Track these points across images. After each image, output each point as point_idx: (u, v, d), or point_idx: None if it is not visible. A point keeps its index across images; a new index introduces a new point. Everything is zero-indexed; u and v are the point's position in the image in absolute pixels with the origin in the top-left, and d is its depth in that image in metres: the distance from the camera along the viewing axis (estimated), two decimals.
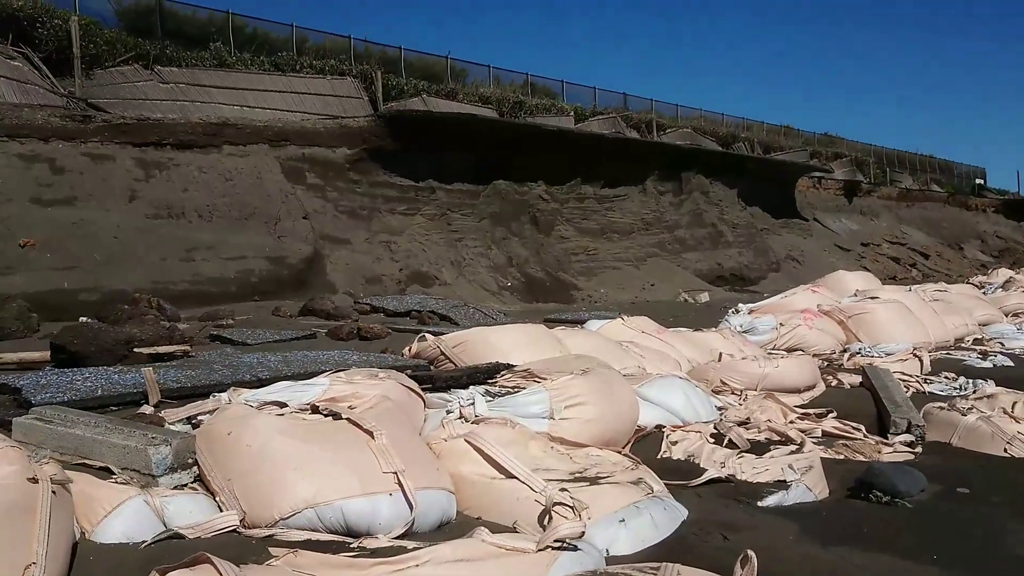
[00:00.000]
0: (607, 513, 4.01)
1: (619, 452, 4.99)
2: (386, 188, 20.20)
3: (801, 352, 9.88)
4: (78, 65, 16.51)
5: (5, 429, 4.41)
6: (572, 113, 29.41)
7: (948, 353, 10.66)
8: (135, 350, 7.12)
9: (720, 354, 8.70)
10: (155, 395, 5.45)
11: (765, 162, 35.00)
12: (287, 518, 3.72)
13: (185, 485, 4.01)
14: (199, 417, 4.72)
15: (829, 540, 4.23)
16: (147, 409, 5.21)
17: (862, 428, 6.58)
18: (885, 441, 6.34)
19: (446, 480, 4.19)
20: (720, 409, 6.74)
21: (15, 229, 12.78)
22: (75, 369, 6.42)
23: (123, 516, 3.69)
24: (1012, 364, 10.06)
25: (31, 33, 16.39)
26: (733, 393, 7.48)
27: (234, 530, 3.73)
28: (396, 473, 3.89)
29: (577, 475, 4.43)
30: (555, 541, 3.37)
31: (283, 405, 4.46)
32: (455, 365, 7.01)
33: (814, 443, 6.01)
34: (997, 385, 7.81)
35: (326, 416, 4.30)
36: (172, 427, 4.66)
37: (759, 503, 4.75)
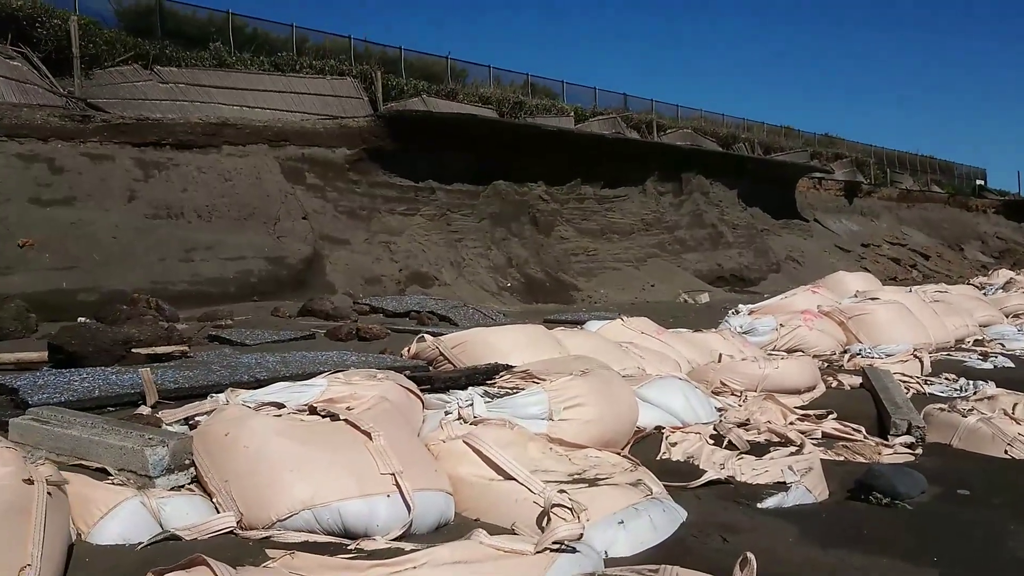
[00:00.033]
0: (606, 515, 4.00)
1: (618, 453, 4.98)
2: (386, 188, 20.19)
3: (801, 353, 9.86)
4: (77, 65, 16.51)
5: (2, 430, 4.40)
6: (572, 113, 29.41)
7: (949, 354, 10.63)
8: (133, 350, 7.10)
9: (720, 355, 8.68)
10: (152, 396, 5.44)
11: (765, 163, 34.99)
12: (284, 520, 3.71)
13: (182, 486, 4.00)
14: (196, 418, 4.71)
15: (829, 542, 4.22)
16: (144, 410, 5.19)
17: (862, 429, 6.56)
18: (885, 443, 6.32)
19: (444, 481, 4.17)
20: (720, 410, 6.73)
21: (14, 229, 12.76)
22: (73, 369, 6.40)
23: (119, 517, 3.68)
24: (1013, 365, 10.03)
25: (30, 33, 16.38)
26: (733, 394, 7.46)
27: (231, 532, 3.72)
28: (394, 474, 3.87)
29: (576, 476, 4.42)
30: (553, 543, 3.36)
31: (281, 406, 4.44)
32: (454, 366, 7.00)
33: (814, 444, 6.00)
34: (998, 386, 7.79)
35: (324, 417, 4.28)
36: (169, 428, 4.64)
37: (759, 505, 4.74)
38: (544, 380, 5.44)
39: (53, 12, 17.00)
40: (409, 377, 5.35)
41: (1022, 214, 53.02)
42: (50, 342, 7.04)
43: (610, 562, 3.76)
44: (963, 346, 11.50)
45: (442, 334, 7.88)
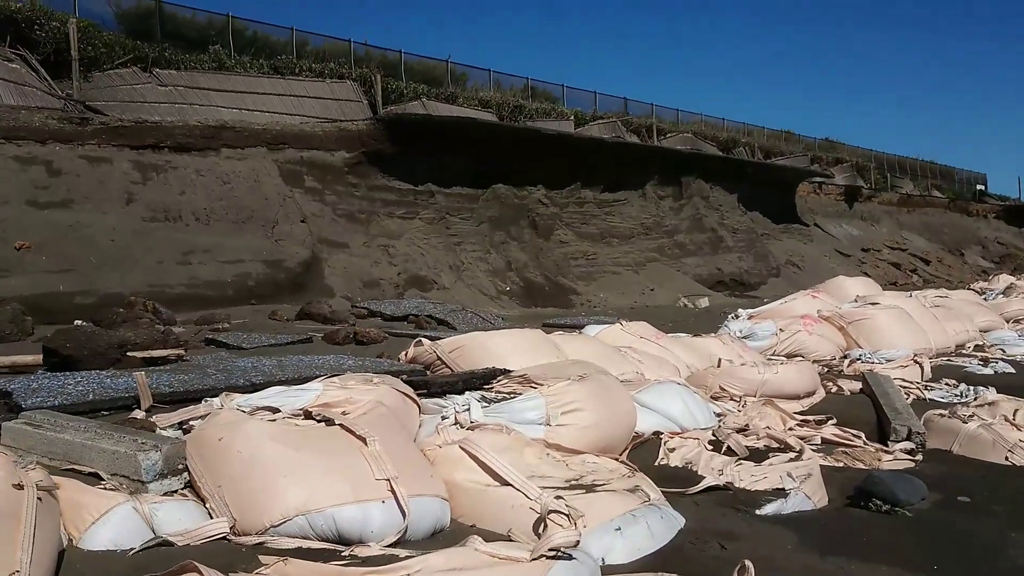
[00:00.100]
0: (603, 521, 3.98)
1: (616, 459, 4.95)
2: (385, 192, 20.16)
3: (801, 358, 9.84)
4: (76, 67, 16.51)
5: None
6: (572, 117, 29.45)
7: (949, 360, 10.60)
8: (128, 354, 7.07)
9: (719, 360, 8.65)
10: (147, 400, 5.40)
11: (765, 167, 35.00)
12: (278, 525, 3.68)
13: (175, 491, 3.96)
14: (191, 422, 4.68)
15: (828, 549, 4.20)
16: (139, 414, 5.16)
17: (862, 435, 6.53)
18: (885, 448, 6.29)
19: (440, 487, 4.14)
20: (719, 415, 6.70)
21: (10, 231, 12.72)
22: (67, 373, 6.36)
23: (111, 523, 3.64)
24: (1013, 371, 9.99)
25: (29, 35, 16.41)
26: (732, 399, 7.43)
27: (224, 537, 3.69)
28: (389, 480, 3.85)
29: (573, 482, 4.40)
30: (550, 550, 3.33)
31: (276, 410, 4.41)
32: (451, 370, 6.96)
33: (813, 450, 5.97)
34: (998, 392, 7.74)
35: (319, 422, 4.26)
36: (164, 432, 4.61)
37: (757, 511, 4.71)
38: (542, 385, 5.41)
39: (52, 14, 17.03)
40: (406, 381, 5.31)
41: (1022, 219, 53.00)
42: (45, 345, 7.00)
43: (607, 569, 3.76)
44: (964, 351, 11.47)
45: (440, 338, 7.84)
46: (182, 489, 3.98)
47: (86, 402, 5.31)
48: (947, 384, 8.77)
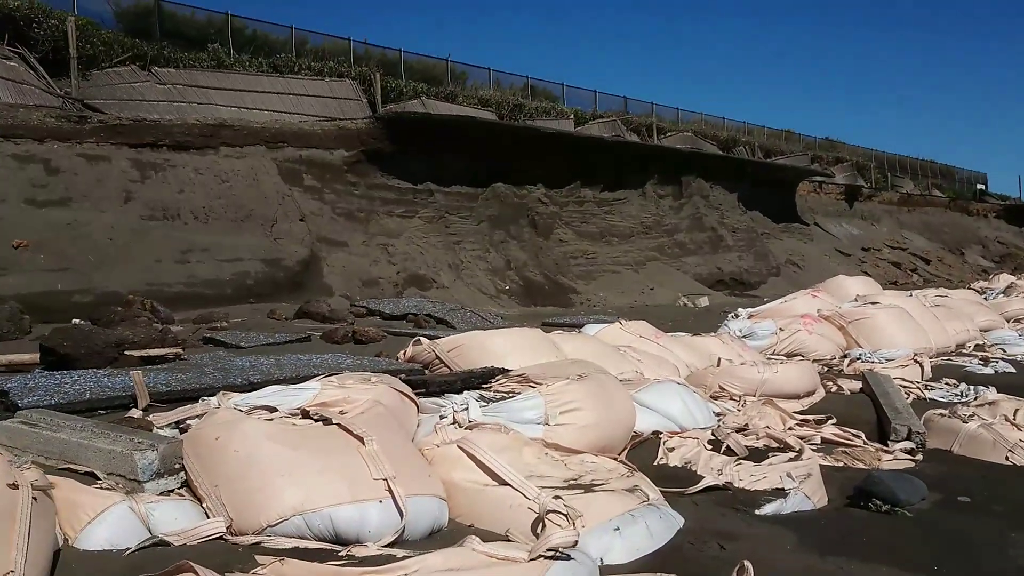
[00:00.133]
0: (601, 521, 3.95)
1: (615, 459, 4.93)
2: (384, 190, 20.15)
3: (801, 357, 9.83)
4: (74, 65, 16.48)
5: None
6: (572, 116, 29.41)
7: (949, 359, 10.58)
8: (126, 352, 7.05)
9: (719, 359, 8.63)
10: (144, 399, 5.39)
11: (766, 166, 34.97)
12: (274, 525, 3.66)
13: (172, 491, 3.94)
14: (188, 421, 4.66)
15: (827, 550, 4.18)
16: (135, 413, 5.14)
17: (862, 435, 6.51)
18: (885, 448, 6.28)
19: (438, 487, 4.12)
20: (718, 415, 6.68)
21: (8, 230, 12.72)
22: (64, 372, 6.36)
23: (107, 523, 3.63)
24: (1014, 371, 9.97)
25: (27, 33, 16.35)
26: (731, 399, 7.41)
27: (220, 537, 3.67)
28: (386, 480, 3.83)
29: (571, 482, 4.38)
30: (548, 550, 3.32)
31: (273, 410, 4.39)
32: (450, 369, 6.95)
33: (813, 450, 5.95)
34: (999, 392, 7.74)
35: (316, 421, 4.24)
36: (160, 432, 4.59)
37: (757, 511, 4.69)
38: (540, 384, 5.39)
39: (50, 12, 16.97)
40: (404, 381, 5.29)
41: (1023, 218, 53.00)
42: (42, 344, 6.99)
43: (606, 569, 3.74)
44: (964, 351, 11.45)
45: (438, 337, 7.82)
46: (179, 488, 3.97)
47: (83, 401, 5.31)
48: (947, 384, 8.75)
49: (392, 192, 20.32)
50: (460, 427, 4.77)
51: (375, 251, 18.84)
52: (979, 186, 57.98)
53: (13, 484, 3.19)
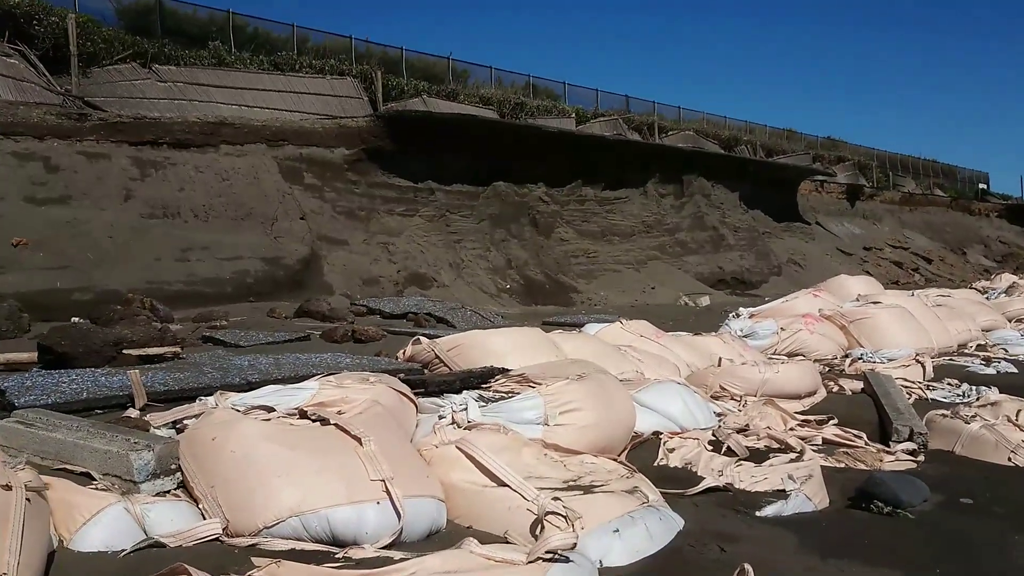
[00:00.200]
0: (601, 523, 3.93)
1: (615, 459, 4.90)
2: (384, 189, 20.12)
3: (802, 357, 9.80)
4: (75, 63, 16.45)
5: None
6: (574, 115, 29.40)
7: (951, 359, 10.56)
8: (124, 351, 7.01)
9: (720, 359, 8.61)
10: (141, 398, 5.37)
11: (767, 165, 34.95)
12: (271, 527, 3.64)
13: (168, 492, 3.93)
14: (185, 421, 4.64)
15: (829, 552, 4.16)
16: (133, 412, 5.12)
17: (863, 436, 6.48)
18: (887, 449, 6.25)
19: (436, 488, 4.10)
20: (719, 415, 6.66)
21: (8, 228, 12.69)
22: (62, 371, 6.33)
23: (102, 524, 3.61)
24: (1016, 371, 9.95)
25: (28, 30, 16.33)
26: (732, 399, 7.38)
27: (216, 539, 3.65)
28: (384, 481, 3.80)
29: (571, 483, 4.35)
30: (546, 552, 3.31)
31: (270, 410, 4.36)
32: (450, 369, 6.92)
33: (814, 451, 5.93)
34: (1001, 392, 7.71)
35: (314, 421, 4.21)
36: (157, 432, 4.56)
37: (757, 513, 4.67)
38: (540, 384, 5.36)
39: (51, 10, 16.95)
40: (403, 380, 5.26)
41: None
42: (40, 343, 6.95)
43: (605, 572, 3.73)
44: (966, 351, 11.42)
45: (438, 336, 7.80)
46: (175, 489, 3.96)
47: (80, 400, 5.29)
48: (949, 384, 8.73)
49: (393, 190, 20.29)
50: (459, 427, 4.75)
51: (376, 250, 18.82)
52: (981, 185, 57.99)
53: (6, 485, 3.17)
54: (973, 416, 6.59)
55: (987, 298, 16.63)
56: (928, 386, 8.63)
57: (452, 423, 4.80)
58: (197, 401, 4.99)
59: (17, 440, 4.23)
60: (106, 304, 10.98)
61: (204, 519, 3.75)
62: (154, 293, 12.46)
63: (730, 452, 5.63)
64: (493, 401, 5.27)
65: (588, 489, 4.28)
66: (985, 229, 49.59)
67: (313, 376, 5.01)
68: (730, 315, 12.06)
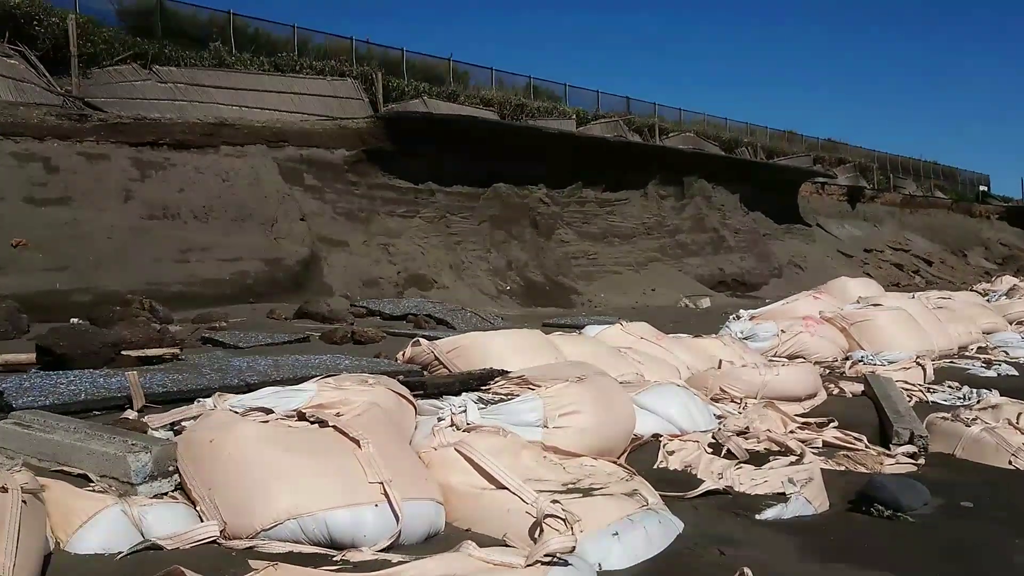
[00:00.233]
0: (600, 526, 3.91)
1: (614, 462, 4.88)
2: (385, 190, 20.11)
3: (802, 360, 9.79)
4: (75, 63, 16.45)
5: None
6: (574, 116, 29.39)
7: (952, 362, 10.55)
8: (123, 353, 7.02)
9: (720, 361, 8.59)
10: (139, 400, 5.36)
11: (768, 167, 34.97)
12: (268, 529, 3.62)
13: (165, 494, 3.91)
14: (183, 423, 4.63)
15: (829, 556, 4.15)
16: (131, 414, 5.11)
17: (864, 438, 6.46)
18: (887, 452, 6.23)
19: (435, 490, 4.08)
20: (719, 418, 6.63)
21: (7, 229, 12.70)
22: (60, 372, 6.32)
23: (99, 526, 3.59)
24: (1017, 374, 9.94)
25: (28, 31, 16.32)
26: (732, 401, 7.36)
27: (214, 541, 3.63)
28: (382, 483, 3.78)
29: (570, 486, 4.33)
30: (545, 555, 3.29)
31: (269, 411, 4.34)
32: (449, 371, 6.91)
33: (814, 454, 5.90)
34: (1002, 395, 7.68)
35: (312, 423, 4.19)
36: (155, 433, 4.55)
37: (757, 516, 4.65)
38: (540, 386, 5.34)
39: (51, 10, 16.94)
40: (402, 382, 5.24)
41: None
42: (38, 344, 6.94)
43: (604, 575, 3.68)
44: (966, 354, 11.41)
45: (438, 338, 7.79)
46: (172, 491, 3.94)
47: (78, 402, 5.29)
48: (950, 387, 8.72)
49: (393, 192, 20.28)
50: (458, 430, 4.72)
51: (376, 251, 18.81)
52: (982, 188, 57.97)
53: (2, 487, 3.15)
54: (974, 419, 6.57)
55: (988, 300, 16.62)
56: (929, 389, 8.62)
57: (451, 425, 4.78)
58: (195, 403, 4.98)
59: (14, 442, 4.22)
60: (105, 305, 10.98)
61: (202, 521, 3.73)
62: (154, 294, 12.46)
63: (730, 455, 5.60)
64: (492, 403, 5.25)
65: (587, 492, 4.26)
66: (986, 231, 49.58)
67: (312, 378, 5.00)
68: (730, 317, 12.05)
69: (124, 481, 3.84)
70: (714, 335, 10.24)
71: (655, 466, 5.39)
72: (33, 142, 14.15)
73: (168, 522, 3.69)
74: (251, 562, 3.27)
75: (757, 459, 5.59)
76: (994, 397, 7.60)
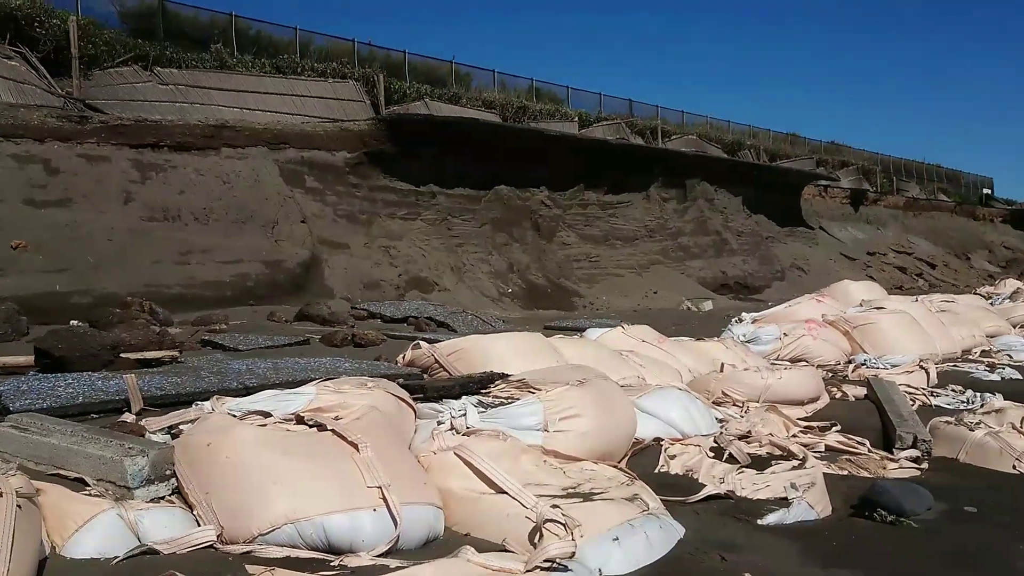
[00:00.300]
0: (600, 531, 3.88)
1: (615, 466, 4.86)
2: (386, 192, 20.09)
3: (805, 363, 9.76)
4: (76, 65, 16.48)
5: None
6: (577, 119, 29.43)
7: (955, 365, 10.53)
8: (122, 355, 6.98)
9: (722, 364, 8.57)
10: (137, 403, 5.33)
11: (771, 170, 34.97)
12: (266, 534, 3.60)
13: (162, 498, 3.88)
14: (180, 426, 4.60)
15: (831, 561, 4.13)
16: (129, 417, 5.08)
17: (866, 443, 6.42)
18: (890, 456, 6.20)
19: (433, 495, 4.05)
20: (720, 422, 6.61)
21: (7, 230, 12.68)
22: (58, 374, 6.27)
23: (95, 530, 3.57)
24: (1020, 377, 9.92)
25: (29, 32, 16.35)
26: (735, 405, 7.34)
27: (211, 546, 3.62)
28: (381, 488, 3.76)
29: (570, 490, 4.31)
30: (545, 561, 3.28)
31: (267, 415, 4.32)
32: (449, 374, 6.88)
33: (817, 458, 5.88)
34: (1005, 399, 7.69)
35: (311, 427, 4.17)
36: (153, 437, 4.53)
37: (759, 521, 4.62)
38: (540, 390, 5.31)
39: (52, 12, 16.98)
40: (402, 385, 5.22)
41: None
42: (36, 346, 6.90)
43: None
44: (970, 357, 11.40)
45: (439, 341, 7.76)
46: (169, 495, 3.92)
47: (76, 405, 5.25)
48: (953, 390, 8.70)
49: (394, 194, 20.26)
50: (457, 433, 4.70)
51: (377, 253, 18.79)
52: (985, 190, 58.00)
53: None
54: (977, 423, 6.55)
55: (991, 304, 16.61)
56: (932, 392, 8.59)
57: (451, 429, 4.76)
58: (194, 406, 4.96)
59: (11, 445, 4.19)
60: (105, 307, 10.92)
61: (199, 526, 3.71)
62: (153, 296, 12.43)
63: (732, 459, 5.58)
64: (492, 407, 5.21)
65: (588, 496, 4.23)
66: (989, 234, 49.56)
67: (311, 381, 4.97)
68: (733, 320, 12.05)
69: (120, 485, 3.82)
70: (716, 338, 10.21)
71: (656, 470, 5.37)
72: (33, 144, 14.13)
73: (165, 526, 3.68)
74: (248, 567, 3.28)
75: (759, 463, 5.58)
76: (998, 401, 7.60)
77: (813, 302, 12.55)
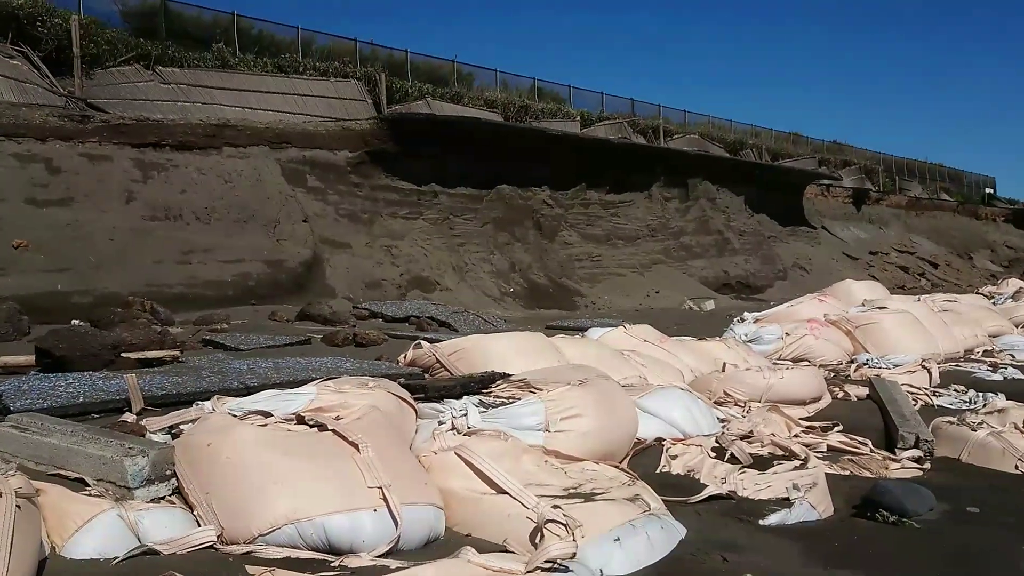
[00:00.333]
0: (602, 532, 3.87)
1: (616, 466, 4.86)
2: (388, 191, 20.10)
3: (807, 363, 9.75)
4: (78, 64, 16.45)
5: None
6: (579, 118, 29.38)
7: (957, 365, 10.50)
8: (123, 355, 6.98)
9: (724, 364, 8.55)
10: (138, 403, 5.33)
11: (773, 169, 34.94)
12: (266, 534, 3.60)
13: (162, 498, 3.88)
14: (181, 426, 4.59)
15: (833, 562, 4.11)
16: (129, 417, 5.07)
17: (869, 443, 6.41)
18: (892, 456, 6.19)
19: (434, 495, 4.04)
20: (722, 421, 6.60)
21: (8, 230, 12.71)
22: (59, 374, 6.28)
23: (95, 531, 3.56)
24: (1023, 377, 9.89)
25: (31, 31, 16.32)
26: (736, 405, 7.33)
27: (211, 546, 3.61)
28: (381, 488, 3.75)
29: (571, 491, 4.30)
30: (546, 562, 3.28)
31: (267, 415, 4.31)
32: (451, 374, 6.87)
33: (819, 458, 5.87)
34: (1008, 399, 7.67)
35: (311, 427, 4.16)
36: (153, 437, 4.52)
37: (761, 522, 4.61)
38: (541, 390, 5.29)
39: (54, 11, 16.94)
40: (403, 385, 5.21)
41: None
42: (37, 346, 6.90)
43: None
44: (972, 357, 11.37)
45: (440, 340, 7.76)
46: (170, 496, 3.91)
47: (76, 405, 5.26)
48: (956, 390, 8.68)
49: (396, 193, 20.27)
50: (458, 433, 4.69)
51: (378, 253, 18.79)
52: (988, 190, 57.97)
53: None
54: (980, 423, 6.54)
55: (994, 303, 16.57)
56: (934, 392, 8.57)
57: (452, 429, 4.75)
58: (194, 406, 4.95)
59: (11, 445, 4.19)
60: (106, 307, 10.94)
61: (199, 526, 3.70)
62: (155, 296, 12.45)
63: (733, 459, 5.57)
64: (494, 407, 5.20)
65: (589, 497, 4.22)
66: (992, 234, 49.55)
67: (312, 381, 4.96)
68: (735, 320, 12.05)
69: (121, 485, 3.81)
70: (718, 338, 10.19)
71: (658, 470, 5.36)
72: (35, 143, 14.15)
73: (165, 526, 3.67)
74: (248, 567, 3.28)
75: (761, 463, 5.57)
76: (1000, 401, 7.59)
77: (815, 302, 12.54)
